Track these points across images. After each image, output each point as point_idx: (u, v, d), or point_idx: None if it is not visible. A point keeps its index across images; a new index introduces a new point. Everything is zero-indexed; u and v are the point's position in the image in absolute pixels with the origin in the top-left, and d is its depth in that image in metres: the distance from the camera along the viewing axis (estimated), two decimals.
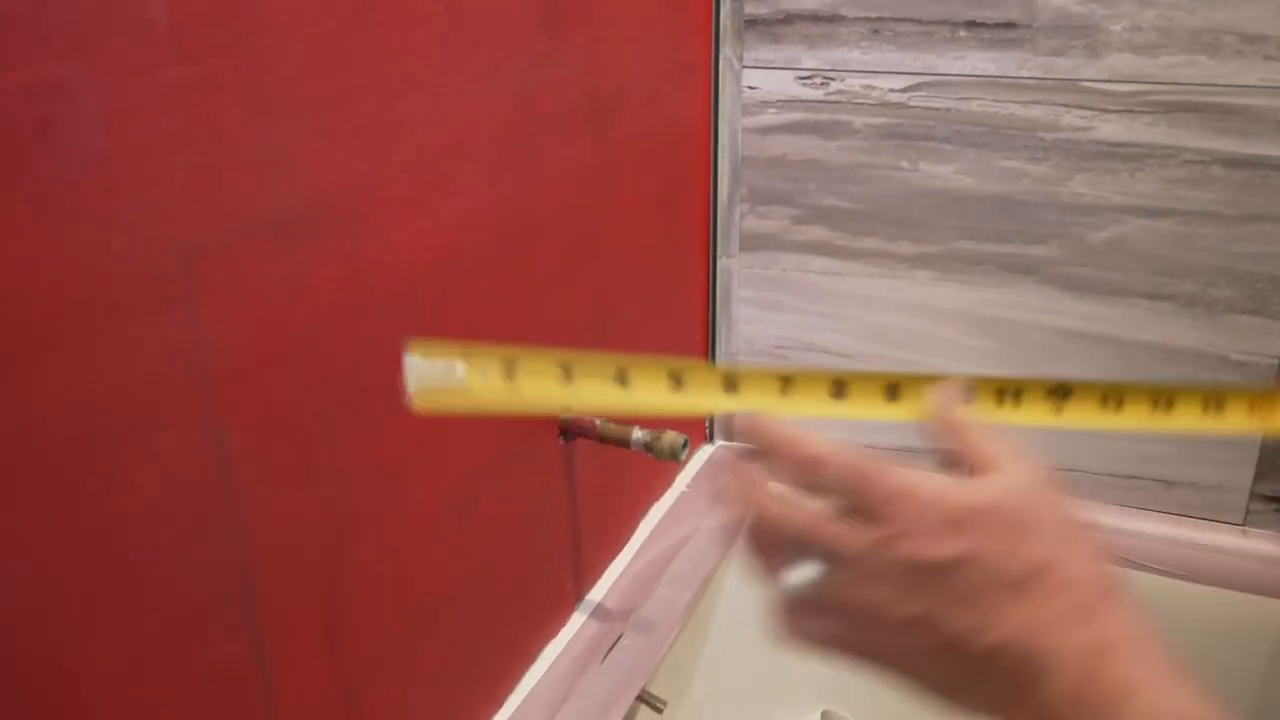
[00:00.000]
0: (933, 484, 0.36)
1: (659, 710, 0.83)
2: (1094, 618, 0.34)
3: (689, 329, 1.03)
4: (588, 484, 0.83)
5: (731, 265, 1.04)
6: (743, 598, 0.96)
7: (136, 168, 0.39)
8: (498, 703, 0.73)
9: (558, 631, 0.81)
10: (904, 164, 0.95)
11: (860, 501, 0.36)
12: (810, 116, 0.97)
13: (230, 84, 0.43)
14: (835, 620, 0.36)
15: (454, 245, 0.61)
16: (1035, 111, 0.89)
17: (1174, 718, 0.32)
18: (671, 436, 0.74)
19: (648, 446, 0.75)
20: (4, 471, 0.36)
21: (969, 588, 0.34)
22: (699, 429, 1.10)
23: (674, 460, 0.75)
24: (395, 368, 0.57)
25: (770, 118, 0.98)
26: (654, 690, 0.85)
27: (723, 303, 1.06)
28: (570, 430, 0.77)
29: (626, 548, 0.92)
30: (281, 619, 0.50)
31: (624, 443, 0.76)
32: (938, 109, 0.92)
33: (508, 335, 0.68)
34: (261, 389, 0.47)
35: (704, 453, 1.10)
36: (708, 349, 1.07)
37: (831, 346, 1.04)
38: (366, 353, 0.54)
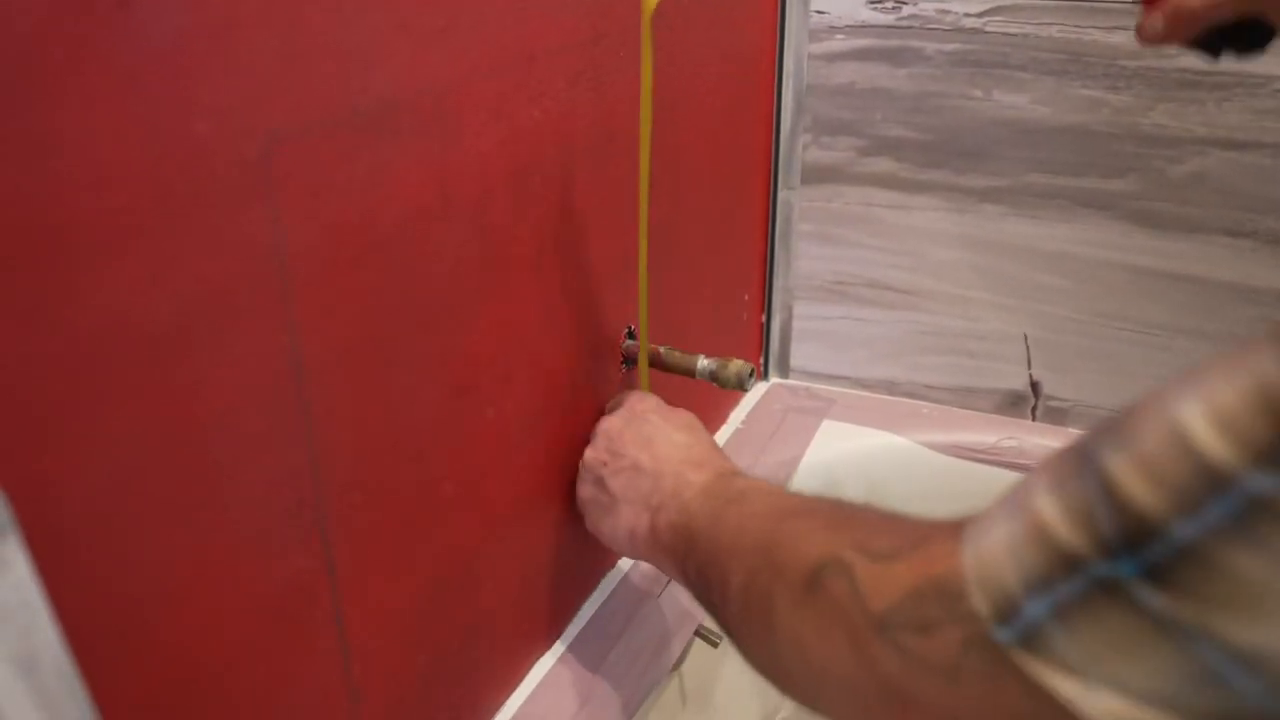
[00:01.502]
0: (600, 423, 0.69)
1: (715, 644, 0.81)
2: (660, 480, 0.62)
3: (746, 262, 1.00)
4: None
5: (792, 197, 1.01)
6: None
7: (217, 49, 0.37)
8: (559, 629, 0.72)
9: (615, 563, 0.79)
10: (977, 93, 0.91)
11: None
12: (880, 43, 0.93)
13: None
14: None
15: (531, 154, 0.58)
16: (1118, 38, 0.85)
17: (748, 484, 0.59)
18: (739, 365, 0.72)
19: (713, 375, 0.73)
20: (86, 370, 0.34)
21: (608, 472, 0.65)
22: (754, 365, 1.07)
23: (740, 389, 0.72)
24: (468, 279, 0.55)
25: (838, 44, 0.94)
26: (710, 625, 0.84)
27: (782, 236, 1.03)
28: (633, 357, 0.74)
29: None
30: (352, 534, 0.48)
31: (689, 371, 0.74)
32: (1014, 35, 0.88)
33: (577, 254, 0.66)
34: (337, 292, 0.45)
35: (759, 389, 1.07)
36: (764, 283, 1.04)
37: (893, 283, 1.00)
38: (442, 262, 0.52)
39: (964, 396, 1.02)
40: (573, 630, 0.72)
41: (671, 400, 0.71)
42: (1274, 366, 0.26)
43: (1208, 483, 0.27)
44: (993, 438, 0.97)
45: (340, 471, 0.47)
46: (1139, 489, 0.29)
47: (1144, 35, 0.57)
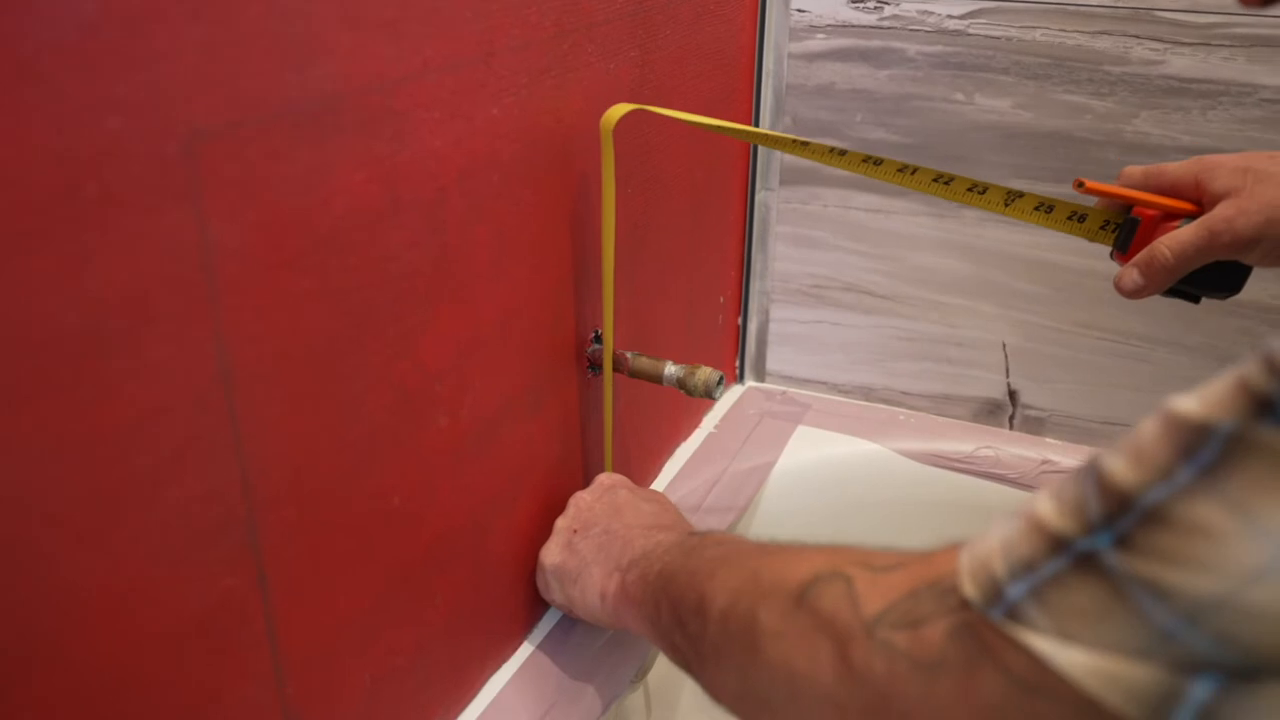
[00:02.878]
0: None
1: None
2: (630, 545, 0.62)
3: (723, 263, 0.97)
4: (618, 420, 0.78)
5: (770, 199, 0.99)
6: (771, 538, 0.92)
7: (131, 40, 0.34)
8: (517, 642, 0.69)
9: None
10: (959, 96, 0.89)
11: None
12: (861, 43, 0.90)
13: None
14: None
15: (491, 153, 0.56)
16: (1103, 43, 0.83)
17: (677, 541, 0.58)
18: (706, 372, 0.69)
19: (680, 383, 0.70)
20: None
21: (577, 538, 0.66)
22: (729, 368, 1.05)
23: (708, 398, 0.70)
24: (420, 282, 0.52)
25: (818, 43, 0.92)
26: None
27: (759, 237, 1.01)
28: (599, 362, 0.72)
29: (652, 488, 0.87)
30: (287, 549, 0.46)
31: (656, 378, 0.71)
32: (998, 37, 0.86)
33: (539, 256, 0.63)
34: (272, 296, 0.42)
35: (734, 392, 1.05)
36: (741, 285, 1.02)
37: (872, 287, 0.98)
38: (390, 264, 0.49)
39: (941, 404, 1.00)
40: (532, 643, 0.70)
41: (645, 405, 0.69)
42: (1254, 365, 0.28)
43: (1182, 446, 0.29)
44: (969, 446, 0.95)
45: (274, 485, 0.44)
46: (1123, 470, 0.31)
47: (1123, 289, 0.59)
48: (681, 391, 0.71)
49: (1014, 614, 0.32)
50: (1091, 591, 0.30)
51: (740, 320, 1.03)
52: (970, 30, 0.86)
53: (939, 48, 0.88)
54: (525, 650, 0.69)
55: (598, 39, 0.65)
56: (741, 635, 0.45)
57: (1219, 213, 0.58)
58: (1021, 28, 0.85)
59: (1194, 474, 0.29)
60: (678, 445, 0.94)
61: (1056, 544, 0.32)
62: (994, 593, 0.33)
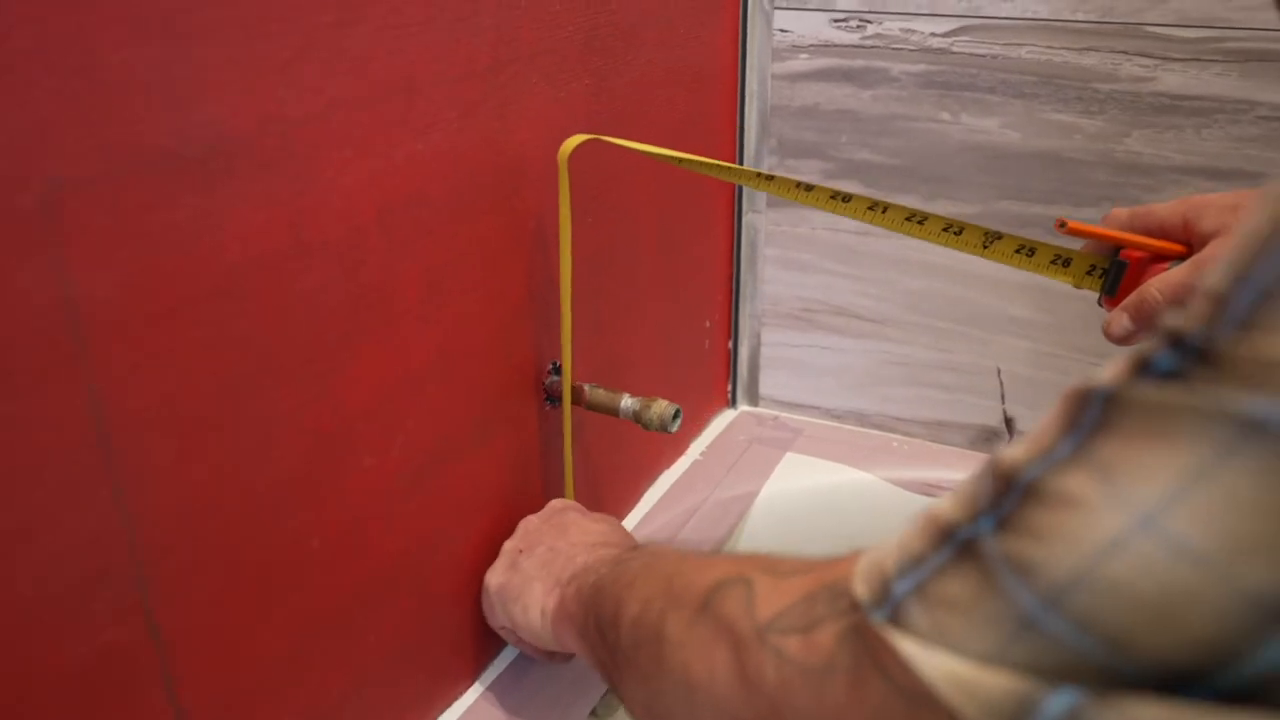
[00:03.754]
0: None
1: None
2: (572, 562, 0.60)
3: (709, 288, 0.96)
4: (583, 451, 0.77)
5: (758, 221, 0.97)
6: None
7: None
8: (467, 682, 0.68)
9: None
10: (944, 116, 0.86)
11: None
12: (844, 63, 0.88)
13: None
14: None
15: (416, 189, 0.55)
16: (1090, 59, 0.80)
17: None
18: (661, 406, 0.68)
19: (636, 416, 0.69)
20: None
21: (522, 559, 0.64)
22: (720, 393, 1.03)
23: (664, 432, 0.68)
24: (334, 323, 0.52)
25: (802, 64, 0.90)
26: None
27: (748, 261, 0.98)
28: (557, 395, 0.70)
29: (628, 517, 0.86)
30: (183, 598, 0.45)
31: (613, 411, 0.70)
32: (983, 55, 0.83)
33: (484, 290, 0.62)
34: (153, 346, 0.42)
35: (726, 417, 1.03)
36: (730, 308, 1.00)
37: (862, 311, 0.95)
38: (298, 306, 0.49)
39: (936, 430, 0.97)
40: (483, 684, 0.69)
41: (624, 432, 0.68)
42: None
43: (1068, 418, 0.28)
44: (963, 475, 0.91)
45: (165, 533, 0.44)
46: (1014, 451, 0.29)
47: (1112, 335, 0.57)
48: (638, 425, 0.69)
49: (896, 613, 0.31)
50: (964, 579, 0.29)
51: (731, 344, 1.01)
52: (954, 48, 0.84)
53: (923, 66, 0.85)
54: (475, 691, 0.68)
55: (543, 68, 0.63)
56: (649, 644, 0.44)
57: (1209, 253, 0.55)
58: (1006, 45, 0.82)
59: (1073, 444, 0.27)
60: (660, 472, 0.92)
61: (944, 535, 0.30)
62: (882, 592, 0.32)
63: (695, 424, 0.98)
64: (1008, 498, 0.29)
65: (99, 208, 0.38)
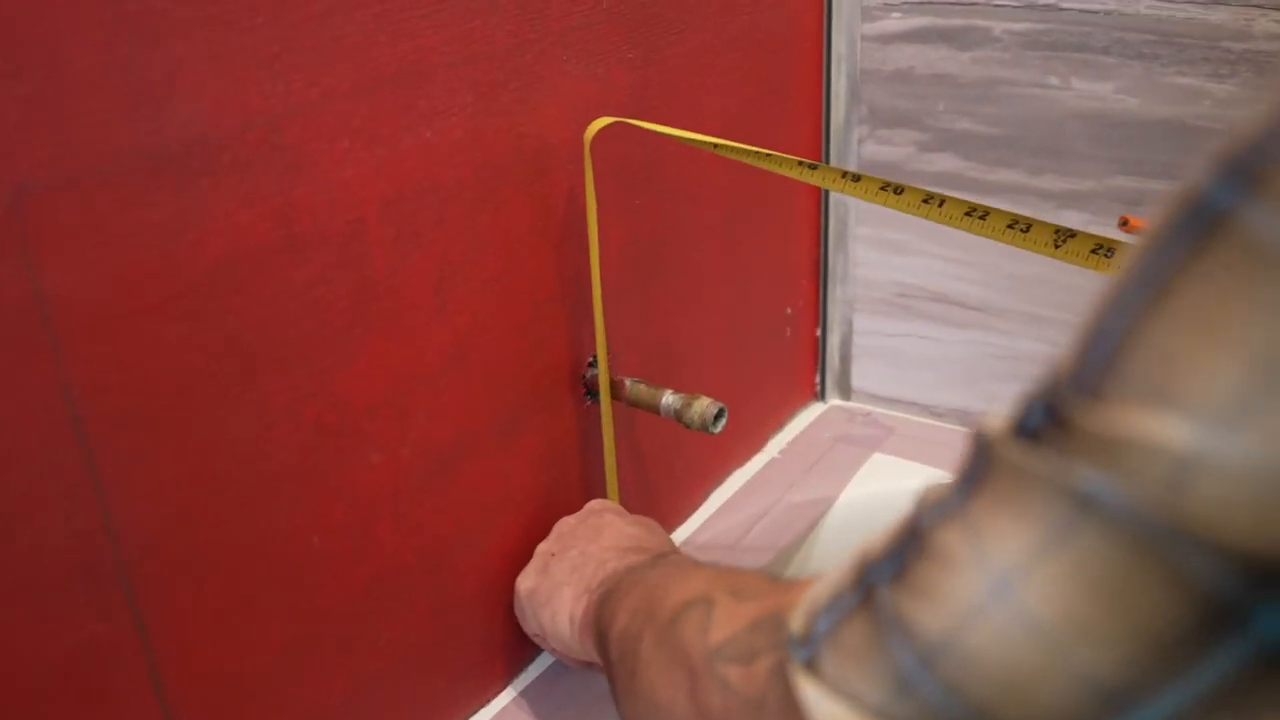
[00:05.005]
0: None
1: None
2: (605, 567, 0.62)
3: (791, 270, 0.96)
4: (632, 448, 0.79)
5: (848, 198, 0.96)
6: None
7: None
8: (494, 689, 0.72)
9: None
10: (1053, 80, 0.84)
11: None
12: (941, 21, 0.87)
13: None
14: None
15: (422, 179, 0.58)
16: (1220, 15, 0.76)
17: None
18: (703, 405, 0.69)
19: (677, 415, 0.70)
20: None
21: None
22: (807, 385, 1.03)
23: (706, 432, 0.70)
24: (334, 317, 0.55)
25: (894, 23, 0.89)
26: None
27: (837, 241, 0.98)
28: (598, 390, 0.73)
29: (689, 520, 0.88)
30: (170, 594, 0.50)
31: (654, 408, 0.72)
32: (1096, 12, 0.80)
33: (508, 281, 0.65)
34: (132, 344, 0.46)
35: (814, 411, 1.03)
36: (818, 293, 1.00)
37: (963, 297, 0.94)
38: (292, 301, 0.53)
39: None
40: (515, 688, 0.72)
41: (672, 434, 0.71)
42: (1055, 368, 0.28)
43: (965, 464, 0.29)
44: None
45: (150, 529, 0.48)
46: (927, 494, 0.31)
47: None
48: (680, 425, 0.71)
49: (814, 656, 0.33)
50: (863, 628, 0.31)
51: (819, 332, 1.01)
52: (1063, 4, 0.82)
53: (1028, 25, 0.83)
54: (506, 696, 0.71)
55: (573, 45, 0.65)
56: (629, 659, 0.48)
57: None
58: (1123, 0, 0.79)
59: (960, 496, 0.28)
60: (731, 471, 0.93)
61: (861, 573, 0.32)
62: (808, 629, 0.34)
63: (775, 419, 0.99)
64: (909, 544, 0.30)
65: (70, 210, 0.43)
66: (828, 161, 0.96)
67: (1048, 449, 0.26)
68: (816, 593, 0.35)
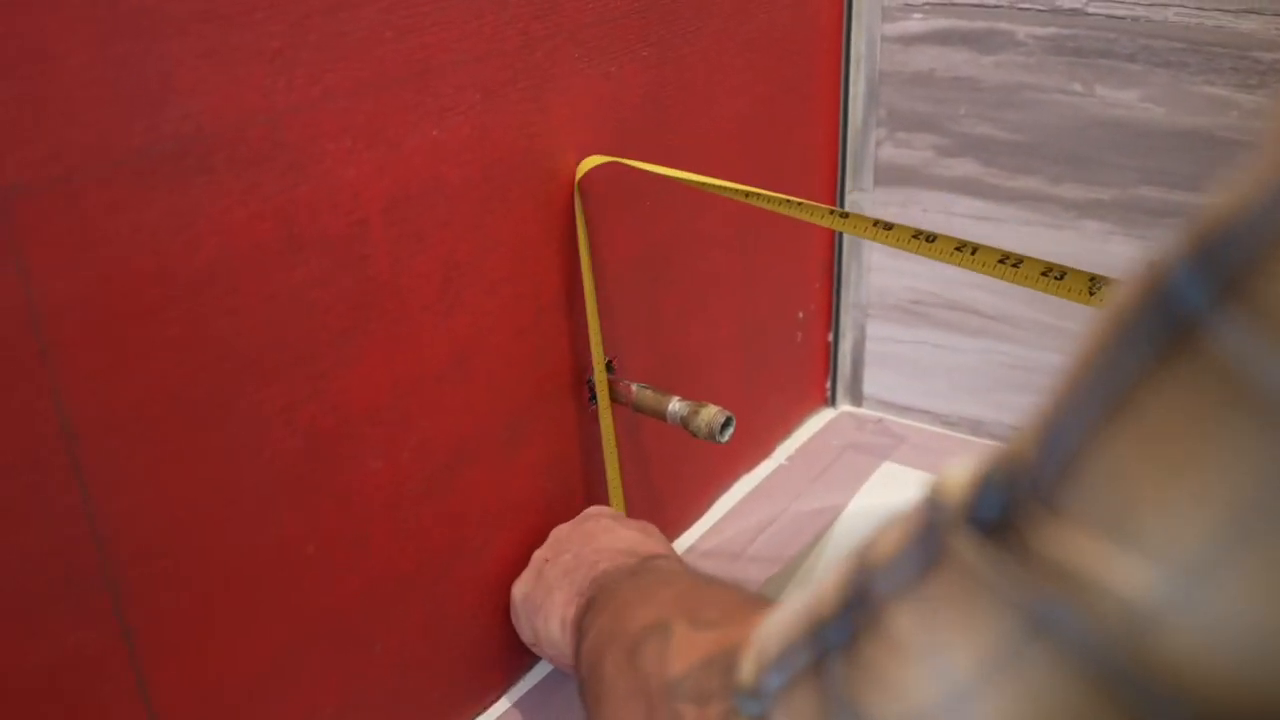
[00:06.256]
0: None
1: None
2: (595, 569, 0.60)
3: (803, 274, 0.94)
4: (637, 454, 0.78)
5: (863, 200, 0.95)
6: None
7: None
8: (489, 698, 0.70)
9: None
10: (1077, 87, 0.82)
11: None
12: (963, 24, 0.85)
13: None
14: None
15: (428, 179, 0.56)
16: (1250, 24, 0.74)
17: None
18: (710, 413, 0.68)
19: (684, 422, 0.69)
20: None
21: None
22: (817, 391, 1.02)
23: (713, 441, 0.68)
24: (334, 320, 0.54)
25: (915, 24, 0.87)
26: None
27: (851, 245, 0.97)
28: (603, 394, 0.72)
29: (693, 528, 0.86)
30: (157, 602, 0.49)
31: (660, 415, 0.70)
32: (1122, 18, 0.79)
33: (515, 283, 0.63)
34: (123, 348, 0.45)
35: (823, 417, 1.02)
36: (830, 298, 0.98)
37: (978, 305, 0.93)
38: (291, 303, 0.51)
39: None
40: (512, 696, 0.71)
41: (679, 439, 0.69)
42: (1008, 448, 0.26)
43: (919, 528, 0.27)
44: None
45: (138, 537, 0.47)
46: (881, 540, 0.29)
47: None
48: (688, 432, 0.69)
49: (765, 713, 0.31)
50: (812, 699, 0.29)
51: (831, 337, 1.00)
52: (1089, 9, 0.80)
53: (1053, 30, 0.82)
54: (501, 706, 0.70)
55: (586, 42, 0.64)
56: (593, 678, 0.47)
57: None
58: (1150, 6, 0.77)
59: (915, 567, 0.27)
60: (737, 478, 0.92)
61: (816, 628, 0.30)
62: (757, 680, 0.32)
63: (783, 425, 0.97)
64: (860, 608, 0.29)
65: (59, 211, 0.42)
66: (844, 164, 0.94)
67: (1003, 555, 0.24)
68: (767, 637, 0.33)
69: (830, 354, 1.01)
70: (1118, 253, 0.84)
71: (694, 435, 0.69)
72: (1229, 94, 0.77)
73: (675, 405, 0.70)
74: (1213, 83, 0.77)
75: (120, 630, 0.48)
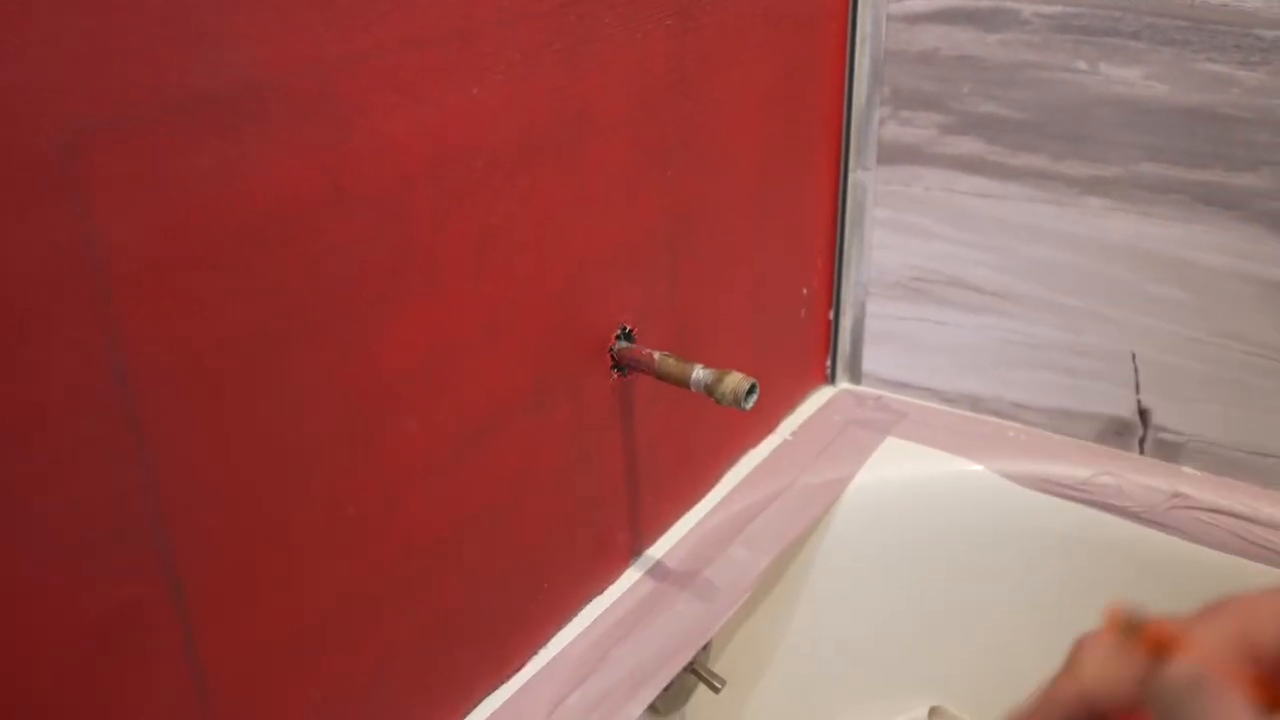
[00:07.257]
0: None
1: (716, 690, 0.79)
2: None
3: (808, 251, 0.95)
4: (654, 425, 0.78)
5: (866, 179, 0.95)
6: (840, 568, 0.90)
7: None
8: (517, 663, 0.70)
9: (604, 588, 0.77)
10: (1080, 64, 0.83)
11: None
12: (970, 3, 0.86)
13: None
14: None
15: (468, 139, 0.56)
16: (1254, 2, 0.76)
17: None
18: (735, 380, 0.68)
19: (708, 389, 0.69)
20: None
21: None
22: (817, 368, 1.02)
23: (737, 408, 0.68)
24: (376, 276, 0.54)
25: (921, 3, 0.88)
26: (718, 668, 0.81)
27: (853, 223, 0.97)
28: (625, 363, 0.72)
29: (703, 501, 0.87)
30: (208, 557, 0.48)
31: (684, 382, 0.70)
32: None
33: (546, 248, 0.63)
34: (179, 294, 0.44)
35: (822, 395, 1.02)
36: (832, 275, 0.99)
37: (980, 283, 0.94)
38: (336, 258, 0.51)
39: (1059, 420, 0.95)
40: (537, 663, 0.71)
41: (692, 412, 0.68)
42: None
43: None
44: (1087, 471, 0.89)
45: (189, 489, 0.47)
46: None
47: None
48: (711, 399, 0.69)
49: None
50: None
51: (832, 314, 1.01)
52: None
53: (1059, 8, 0.83)
54: (528, 672, 0.70)
55: (618, 7, 0.64)
56: None
57: None
58: None
59: None
60: (744, 453, 0.92)
61: None
62: None
63: (787, 401, 0.98)
64: None
65: (121, 152, 0.41)
66: (848, 142, 0.95)
67: None
68: None
69: (831, 331, 1.01)
70: (1120, 229, 0.86)
71: (718, 402, 0.69)
72: (1230, 71, 0.78)
73: (699, 373, 0.70)
74: (1215, 60, 0.78)
75: (169, 582, 0.47)
